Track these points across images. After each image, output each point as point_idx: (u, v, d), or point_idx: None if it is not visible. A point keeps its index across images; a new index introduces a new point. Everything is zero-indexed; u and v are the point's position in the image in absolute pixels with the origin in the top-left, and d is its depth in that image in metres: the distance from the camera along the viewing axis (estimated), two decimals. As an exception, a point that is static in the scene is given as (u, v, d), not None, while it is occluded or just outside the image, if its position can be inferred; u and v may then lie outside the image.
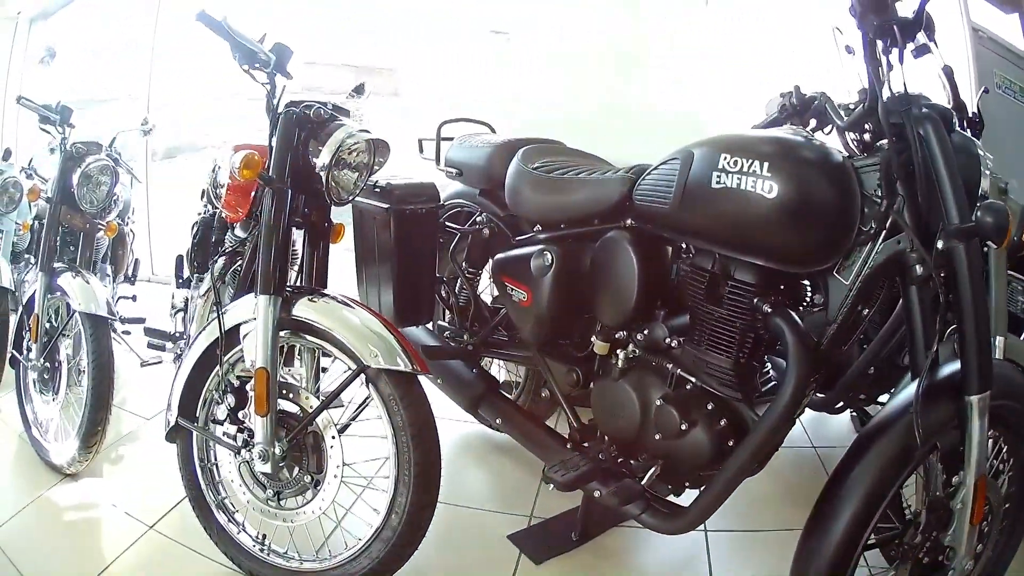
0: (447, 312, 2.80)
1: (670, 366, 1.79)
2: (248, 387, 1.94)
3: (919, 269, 1.47)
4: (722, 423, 1.74)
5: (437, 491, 1.91)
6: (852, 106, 1.61)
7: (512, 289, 2.12)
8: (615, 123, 3.35)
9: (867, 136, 1.58)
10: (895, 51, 1.47)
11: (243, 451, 1.98)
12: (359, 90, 2.17)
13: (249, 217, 2.51)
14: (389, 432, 1.87)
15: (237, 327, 2.00)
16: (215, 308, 2.03)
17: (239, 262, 2.65)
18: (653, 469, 1.84)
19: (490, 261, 2.46)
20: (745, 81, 4.26)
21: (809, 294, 1.69)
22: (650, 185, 1.79)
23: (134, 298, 3.71)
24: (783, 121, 1.70)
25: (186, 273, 3.29)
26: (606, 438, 2.01)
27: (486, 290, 2.79)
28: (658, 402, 1.78)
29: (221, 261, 2.62)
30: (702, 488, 1.75)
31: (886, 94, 1.47)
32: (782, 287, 1.66)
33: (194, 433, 2.15)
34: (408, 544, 1.93)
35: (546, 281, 2.02)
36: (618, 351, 1.91)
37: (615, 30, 3.53)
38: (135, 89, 5.43)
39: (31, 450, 2.96)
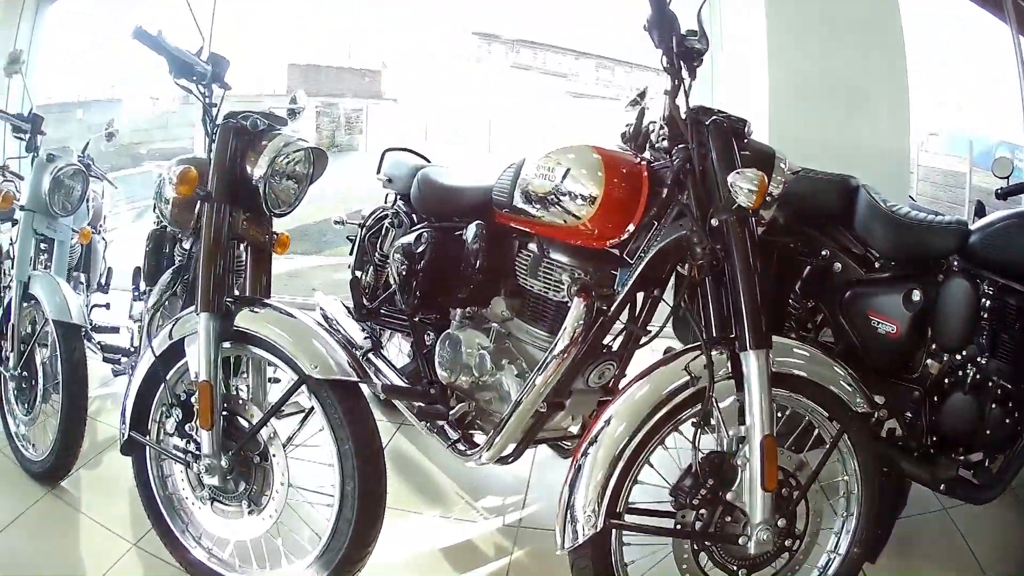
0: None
1: (995, 378, 1.97)
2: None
3: None
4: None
5: None
6: None
7: (878, 323, 2.11)
8: (838, 156, 2.93)
9: None
10: None
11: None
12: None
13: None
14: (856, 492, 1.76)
15: None
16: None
17: None
18: (984, 459, 2.03)
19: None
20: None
21: None
22: (1001, 239, 1.99)
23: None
24: None
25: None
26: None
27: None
28: (993, 406, 1.96)
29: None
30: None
31: None
32: None
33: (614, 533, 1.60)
34: None
35: (917, 317, 2.06)
36: (960, 371, 2.02)
37: (844, 65, 3.41)
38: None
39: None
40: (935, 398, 2.06)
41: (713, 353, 1.53)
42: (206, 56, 2.01)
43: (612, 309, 1.78)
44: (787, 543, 1.64)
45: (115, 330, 3.13)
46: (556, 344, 1.81)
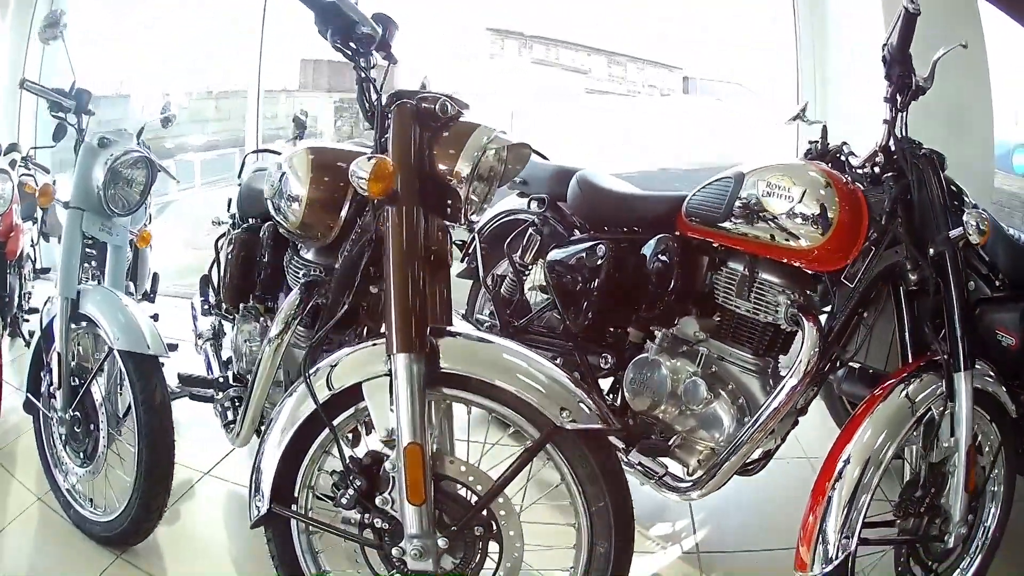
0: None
1: None
2: None
3: None
4: None
5: None
6: None
7: (1002, 336, 1.94)
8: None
9: None
10: None
11: None
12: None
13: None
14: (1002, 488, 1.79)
15: None
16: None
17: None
18: None
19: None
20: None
21: None
22: None
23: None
24: None
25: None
26: None
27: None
28: None
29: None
30: None
31: None
32: None
33: None
34: None
35: None
36: None
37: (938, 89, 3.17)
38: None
39: None
40: None
41: (927, 375, 1.60)
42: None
43: (834, 333, 1.76)
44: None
45: (173, 347, 2.54)
46: (791, 374, 1.74)
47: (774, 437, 1.90)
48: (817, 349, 1.72)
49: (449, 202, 1.40)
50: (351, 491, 1.34)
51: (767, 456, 1.95)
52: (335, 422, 1.39)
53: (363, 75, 1.43)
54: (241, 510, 2.21)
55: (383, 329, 1.47)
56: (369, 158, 1.28)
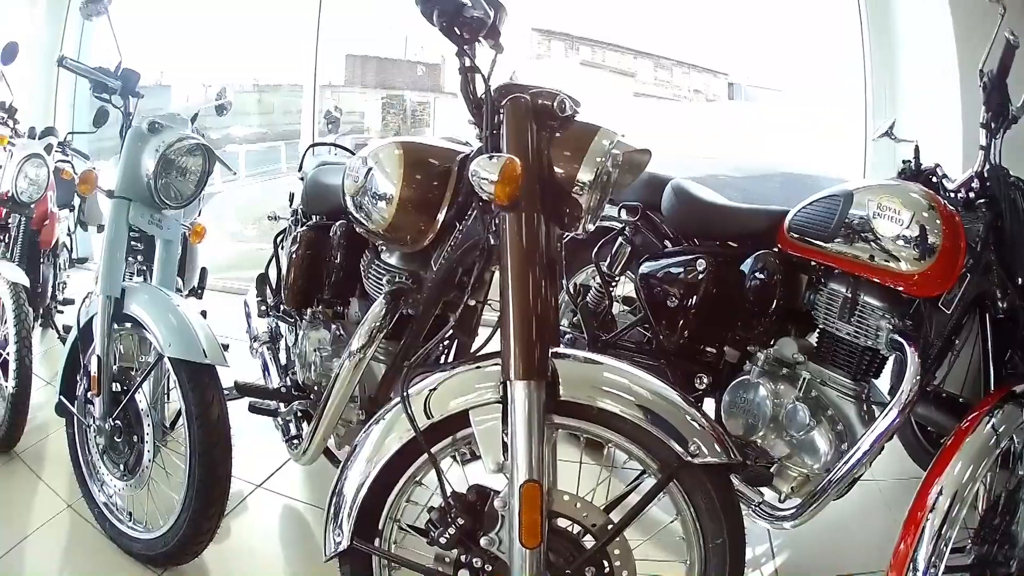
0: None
1: None
2: None
3: None
4: None
5: None
6: None
7: None
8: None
9: None
10: None
11: None
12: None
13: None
14: None
15: None
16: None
17: None
18: None
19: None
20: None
21: None
22: None
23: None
24: None
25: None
26: None
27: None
28: None
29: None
30: None
31: None
32: None
33: None
34: None
35: None
36: None
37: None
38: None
39: None
40: None
41: (1009, 406, 1.55)
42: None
43: (931, 359, 1.73)
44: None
45: (224, 348, 2.38)
46: (894, 403, 1.64)
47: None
48: (919, 377, 1.64)
49: (567, 210, 1.25)
50: (452, 529, 1.16)
51: (854, 481, 1.86)
52: (441, 444, 1.23)
53: (469, 63, 1.25)
54: (298, 526, 2.06)
55: (475, 344, 1.30)
56: (491, 157, 1.10)
